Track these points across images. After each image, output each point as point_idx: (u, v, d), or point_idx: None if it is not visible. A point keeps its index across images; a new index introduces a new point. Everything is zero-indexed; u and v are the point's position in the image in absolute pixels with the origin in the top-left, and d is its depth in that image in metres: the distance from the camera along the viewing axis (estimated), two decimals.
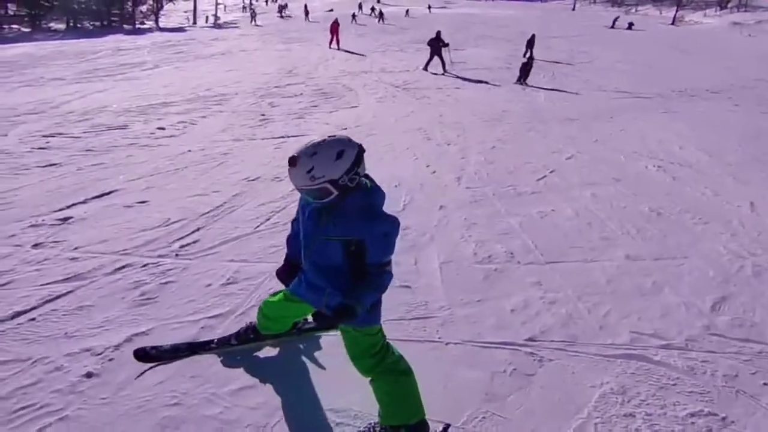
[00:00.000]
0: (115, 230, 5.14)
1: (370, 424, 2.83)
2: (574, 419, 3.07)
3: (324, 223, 2.48)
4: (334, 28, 23.26)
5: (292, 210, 5.60)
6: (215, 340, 3.42)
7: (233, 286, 4.21)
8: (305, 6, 43.09)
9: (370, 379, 2.72)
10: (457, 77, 16.31)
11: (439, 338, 3.70)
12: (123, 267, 4.43)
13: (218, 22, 39.80)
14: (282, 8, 47.11)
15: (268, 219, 5.53)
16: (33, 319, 3.80)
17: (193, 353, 3.33)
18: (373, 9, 46.58)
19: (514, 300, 4.21)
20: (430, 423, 2.78)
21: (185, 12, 48.66)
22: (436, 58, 17.69)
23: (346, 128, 9.88)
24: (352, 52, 21.28)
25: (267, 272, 4.40)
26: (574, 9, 65.83)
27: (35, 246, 4.93)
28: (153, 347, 3.27)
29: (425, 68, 17.50)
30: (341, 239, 2.45)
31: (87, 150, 8.21)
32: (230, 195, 6.17)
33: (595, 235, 5.49)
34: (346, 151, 2.34)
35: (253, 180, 6.77)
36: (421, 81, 15.37)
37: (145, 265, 4.48)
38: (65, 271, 4.44)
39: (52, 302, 4.00)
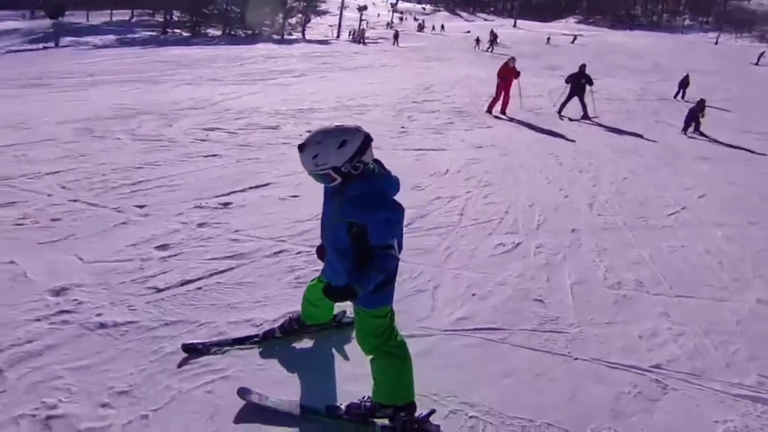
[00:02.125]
0: (272, 219, 5.55)
1: (364, 397, 2.96)
2: None
3: (337, 206, 2.66)
4: (507, 79, 14.33)
5: (432, 217, 5.81)
6: (260, 334, 3.62)
7: None
8: (395, 32, 42.37)
9: (371, 357, 2.87)
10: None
11: (569, 353, 3.75)
12: (279, 252, 4.78)
13: (360, 36, 41.33)
14: (361, 34, 44.73)
15: (410, 223, 5.71)
16: (200, 288, 4.20)
17: (239, 345, 3.52)
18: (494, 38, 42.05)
19: (641, 327, 4.20)
20: (539, 427, 2.92)
21: (330, 26, 51.00)
22: (575, 100, 14.58)
23: (480, 146, 10.00)
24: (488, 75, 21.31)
25: (410, 272, 4.58)
26: (716, 43, 61.80)
27: (200, 225, 5.44)
28: (200, 342, 3.48)
29: (560, 111, 14.50)
30: (347, 221, 2.62)
31: (243, 145, 8.89)
32: None
33: (725, 276, 5.35)
34: (349, 141, 2.51)
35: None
36: (551, 108, 15.17)
37: (299, 252, 4.81)
38: (228, 249, 4.87)
39: (216, 275, 4.41)
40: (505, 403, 3.12)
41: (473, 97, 16.01)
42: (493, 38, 39.49)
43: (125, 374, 3.21)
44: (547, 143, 10.81)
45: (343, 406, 3.00)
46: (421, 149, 9.48)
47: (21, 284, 4.26)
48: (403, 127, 11.34)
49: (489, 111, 14.10)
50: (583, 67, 15.09)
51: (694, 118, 13.95)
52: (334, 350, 3.56)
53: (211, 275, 4.41)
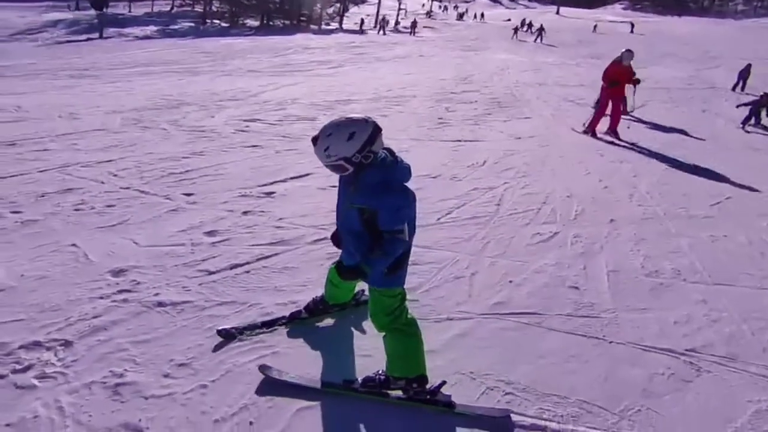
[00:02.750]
0: (312, 208, 5.85)
1: (378, 371, 3.19)
2: (727, 427, 3.15)
3: (351, 192, 2.86)
4: (618, 85, 10.72)
5: (469, 207, 6.03)
6: (287, 315, 3.87)
7: (418, 267, 4.63)
8: (413, 21, 40.89)
9: (383, 334, 3.08)
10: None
11: (603, 336, 3.91)
12: (321, 239, 5.06)
13: (398, 27, 41.31)
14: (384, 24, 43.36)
15: (449, 213, 5.96)
16: (248, 272, 4.52)
17: (269, 327, 3.77)
18: (530, 25, 42.24)
19: (677, 313, 4.29)
20: (573, 404, 3.15)
21: (367, 15, 51.13)
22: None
23: (519, 138, 10.09)
24: (527, 65, 21.24)
25: (448, 259, 4.83)
26: None
27: (245, 213, 5.76)
28: (233, 327, 3.71)
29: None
30: (359, 207, 2.81)
31: (282, 136, 9.21)
32: (414, 188, 6.66)
33: None
34: (357, 133, 2.68)
35: (433, 177, 7.23)
36: (593, 97, 15.06)
37: None
38: (272, 236, 5.18)
39: (262, 260, 4.72)
40: (540, 381, 3.33)
41: (512, 87, 16.06)
42: (540, 28, 38.36)
43: (184, 348, 3.53)
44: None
45: (359, 379, 3.26)
46: (459, 140, 9.64)
47: (83, 265, 4.63)
48: (440, 118, 11.50)
49: (592, 132, 10.62)
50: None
51: (755, 111, 12.95)
52: (352, 328, 3.82)
53: (258, 260, 4.72)
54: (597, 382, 3.41)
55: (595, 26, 46.48)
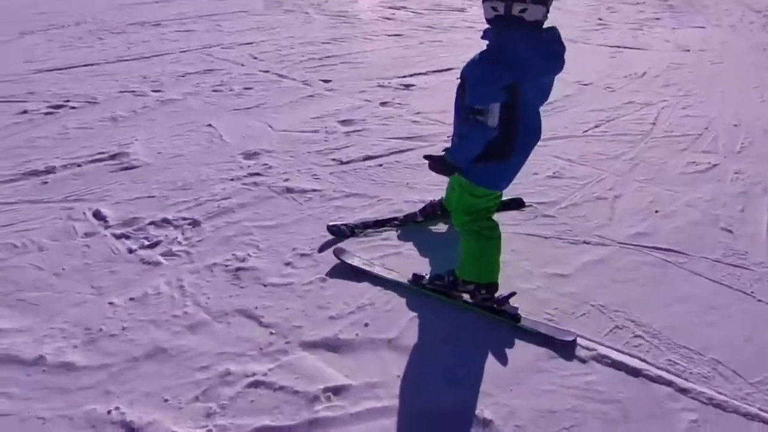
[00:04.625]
0: (452, 104, 5.41)
1: (450, 270, 2.90)
2: None
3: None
4: None
5: (622, 123, 5.35)
6: (401, 217, 3.55)
7: (557, 181, 4.19)
8: None
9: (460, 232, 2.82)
10: None
11: (752, 292, 3.25)
12: None
13: None
14: None
15: (597, 126, 5.31)
16: (380, 165, 4.28)
17: (381, 227, 3.50)
18: None
19: None
20: (707, 362, 2.64)
21: None
22: None
23: (688, 50, 8.81)
24: None
25: (592, 177, 4.30)
26: None
27: (382, 104, 5.48)
28: (343, 224, 3.45)
29: None
30: (461, 72, 2.43)
31: (428, 27, 8.70)
32: (562, 95, 6.02)
33: None
34: None
35: (585, 85, 6.50)
36: None
37: None
38: (408, 130, 4.87)
39: (396, 154, 4.45)
40: (674, 329, 2.86)
41: None
42: None
43: (308, 238, 3.40)
44: None
45: (427, 276, 2.98)
46: (619, 46, 8.61)
47: (218, 146, 4.61)
48: (600, 19, 10.38)
49: None
50: None
51: None
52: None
53: (391, 153, 4.46)
54: (736, 342, 2.84)
55: None
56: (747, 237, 3.77)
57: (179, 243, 3.39)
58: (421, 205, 3.63)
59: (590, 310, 2.94)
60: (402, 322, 2.80)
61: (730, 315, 3.01)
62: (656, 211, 3.92)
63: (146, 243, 3.39)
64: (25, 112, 5.42)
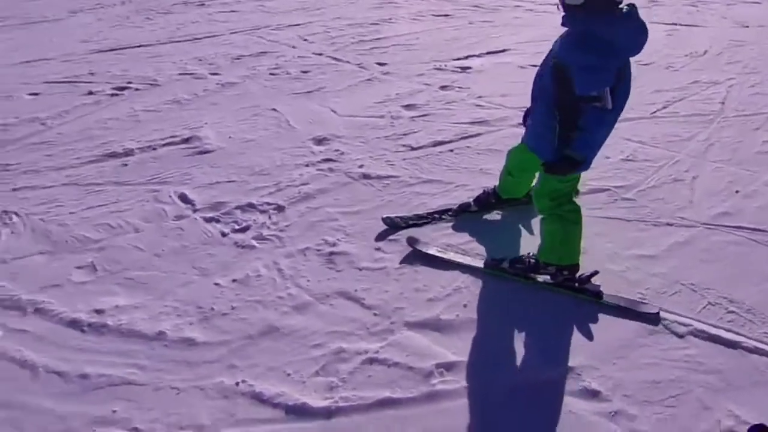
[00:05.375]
0: (513, 87, 5.57)
1: (528, 253, 3.10)
2: None
3: (557, 45, 2.57)
4: None
5: (689, 103, 5.47)
6: (455, 207, 3.69)
7: (632, 164, 4.34)
8: None
9: (542, 217, 2.97)
10: None
11: None
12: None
13: None
14: None
15: (665, 107, 5.43)
16: (451, 151, 4.48)
17: (434, 219, 3.63)
18: None
19: None
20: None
21: None
22: None
23: (747, 26, 8.79)
24: None
25: (666, 159, 4.44)
26: None
27: (442, 88, 5.66)
28: (398, 216, 3.58)
29: None
30: (555, 61, 2.52)
31: (475, 6, 8.78)
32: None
33: None
34: None
35: (646, 64, 6.59)
36: None
37: None
38: (473, 115, 5.05)
39: (465, 140, 4.64)
40: (766, 305, 3.03)
41: None
42: None
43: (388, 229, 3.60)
44: None
45: (507, 259, 3.16)
46: (674, 24, 8.65)
47: (286, 131, 4.84)
48: None
49: None
50: None
51: None
52: (521, 226, 3.64)
53: (461, 139, 4.64)
54: None
55: None
56: None
57: (268, 227, 3.62)
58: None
59: (681, 289, 3.12)
60: (496, 304, 3.02)
61: None
62: (737, 191, 4.06)
63: (236, 227, 3.63)
64: (91, 93, 5.70)
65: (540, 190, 2.99)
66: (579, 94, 2.48)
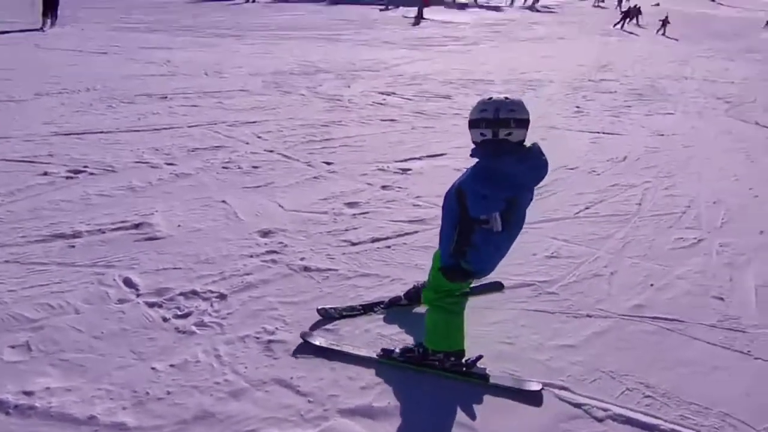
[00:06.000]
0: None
1: (419, 342, 3.26)
2: None
3: (466, 172, 2.90)
4: None
5: (610, 204, 5.86)
6: (385, 301, 3.87)
7: (556, 260, 4.64)
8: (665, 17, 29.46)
9: (426, 308, 3.19)
10: None
11: (749, 351, 3.71)
12: None
13: (536, 5, 39.98)
14: None
15: (587, 208, 5.83)
16: (389, 247, 4.68)
17: (366, 313, 3.79)
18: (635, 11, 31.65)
19: None
20: (715, 415, 3.06)
21: None
22: None
23: (662, 134, 9.57)
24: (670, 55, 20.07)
25: (587, 255, 4.77)
26: None
27: (383, 187, 5.92)
28: (332, 307, 3.73)
29: None
30: (459, 186, 2.82)
31: (418, 112, 9.31)
32: (550, 179, 6.54)
33: None
34: (478, 104, 2.76)
35: (571, 169, 7.06)
36: (747, 96, 13.99)
37: None
38: (411, 214, 5.31)
39: (403, 237, 4.87)
40: (681, 388, 3.26)
41: (654, 78, 15.26)
42: (634, 12, 31.01)
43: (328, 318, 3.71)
44: (738, 137, 10.13)
45: (397, 349, 3.32)
46: (598, 132, 9.31)
47: (234, 222, 4.96)
48: (578, 107, 11.14)
49: None
50: None
51: None
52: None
53: (398, 236, 4.86)
54: (741, 396, 3.27)
55: None
56: (738, 303, 4.27)
57: (210, 314, 3.67)
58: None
59: (601, 376, 3.32)
60: (426, 392, 3.14)
61: (732, 373, 3.45)
62: (651, 285, 4.37)
63: (179, 313, 3.67)
64: (46, 173, 5.75)
65: (429, 283, 3.25)
66: (472, 216, 2.76)
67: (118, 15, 20.71)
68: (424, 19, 25.45)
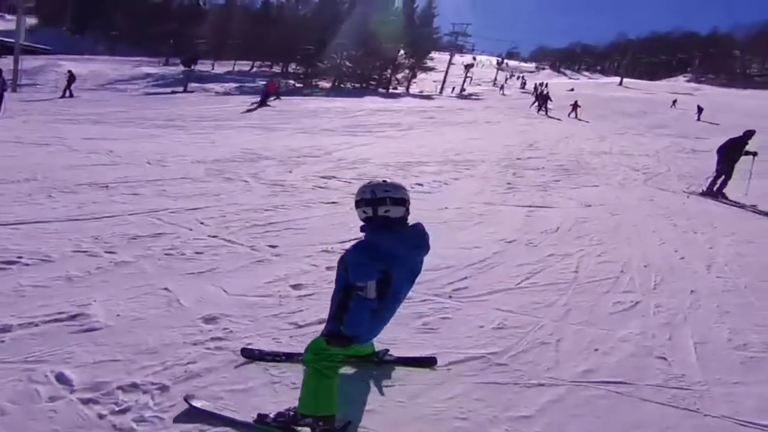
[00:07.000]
0: None
1: (290, 407, 3.23)
2: None
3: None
4: None
5: (549, 273, 5.92)
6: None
7: (503, 331, 4.60)
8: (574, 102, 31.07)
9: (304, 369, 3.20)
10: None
11: (697, 409, 3.71)
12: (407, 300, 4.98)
13: (463, 93, 41.87)
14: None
15: (528, 278, 5.86)
16: None
17: (290, 358, 3.85)
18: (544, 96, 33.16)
19: None
20: None
21: (434, 81, 52.18)
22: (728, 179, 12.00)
23: (590, 205, 9.95)
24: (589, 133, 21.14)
25: (532, 324, 4.76)
26: None
27: (328, 268, 5.77)
28: (258, 349, 3.86)
29: (711, 191, 11.95)
30: (343, 254, 3.08)
31: None
32: (491, 252, 6.62)
33: None
34: (359, 188, 3.12)
35: (509, 242, 7.15)
36: (661, 166, 14.77)
37: (424, 300, 5.03)
38: None
39: None
40: None
41: (577, 155, 15.96)
42: (543, 98, 32.33)
43: (278, 401, 3.48)
44: (658, 203, 10.61)
45: (271, 414, 3.24)
46: (530, 206, 9.58)
47: (176, 310, 4.70)
48: (509, 183, 11.50)
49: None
50: (748, 134, 12.22)
51: None
52: (371, 381, 3.78)
53: None
54: None
55: (675, 102, 41.39)
56: (680, 362, 4.29)
57: (150, 408, 3.38)
58: (375, 368, 3.90)
59: None
60: None
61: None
62: (596, 349, 4.35)
63: (116, 408, 3.36)
64: None
65: (310, 345, 3.20)
66: (351, 282, 2.94)
67: (62, 108, 20.42)
68: (268, 105, 25.48)
